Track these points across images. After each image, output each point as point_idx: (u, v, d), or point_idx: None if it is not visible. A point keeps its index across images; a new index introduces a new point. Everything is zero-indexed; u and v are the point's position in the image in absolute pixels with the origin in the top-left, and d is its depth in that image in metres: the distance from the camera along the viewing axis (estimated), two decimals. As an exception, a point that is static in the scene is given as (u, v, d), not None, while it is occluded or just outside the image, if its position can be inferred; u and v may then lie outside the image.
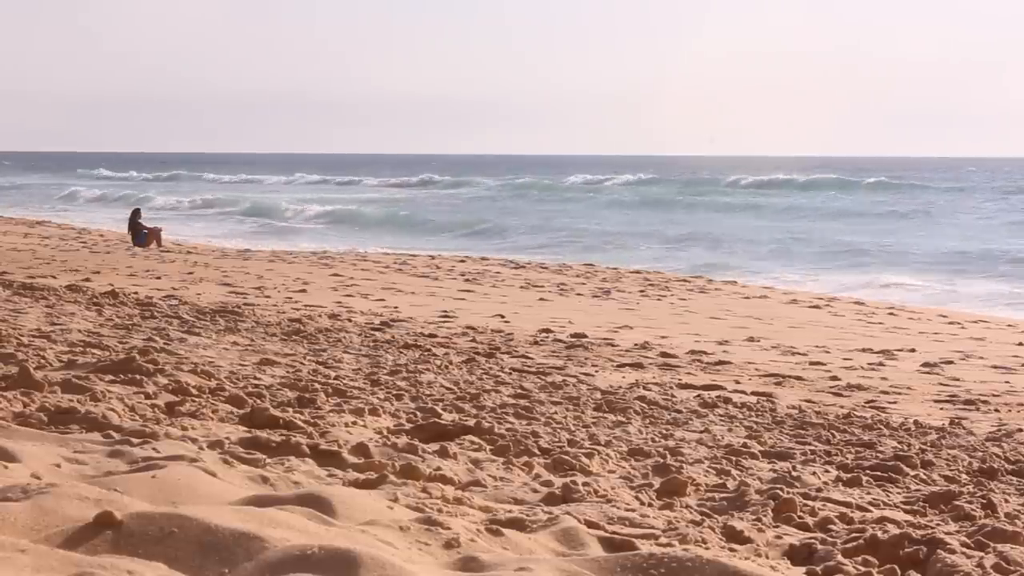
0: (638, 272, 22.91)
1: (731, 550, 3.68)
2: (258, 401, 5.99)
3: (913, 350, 12.50)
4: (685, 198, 56.64)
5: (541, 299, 17.08)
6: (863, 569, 3.56)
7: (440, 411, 6.26)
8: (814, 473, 5.48)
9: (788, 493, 4.63)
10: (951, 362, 11.66)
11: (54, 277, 16.28)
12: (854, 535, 3.98)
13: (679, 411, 7.62)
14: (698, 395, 8.70)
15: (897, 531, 3.95)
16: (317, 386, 6.84)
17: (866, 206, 50.57)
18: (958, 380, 10.49)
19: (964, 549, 3.85)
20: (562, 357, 10.62)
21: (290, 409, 5.87)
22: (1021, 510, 4.83)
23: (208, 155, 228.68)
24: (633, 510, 4.21)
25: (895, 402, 9.16)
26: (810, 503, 4.63)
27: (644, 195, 59.31)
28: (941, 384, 10.23)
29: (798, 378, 10.18)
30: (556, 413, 6.87)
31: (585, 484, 4.55)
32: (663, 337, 12.79)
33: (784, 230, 36.82)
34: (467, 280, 19.66)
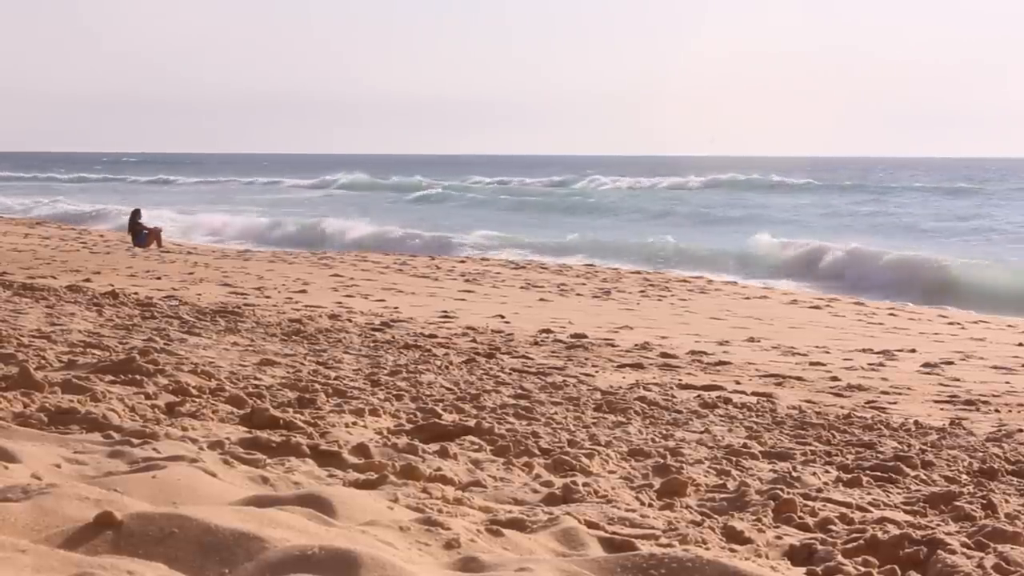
0: (638, 272, 22.92)
1: (731, 550, 3.68)
2: (258, 401, 5.99)
3: (913, 350, 12.51)
4: (537, 199, 58.65)
5: (541, 299, 17.08)
6: (863, 569, 3.56)
7: (440, 411, 6.26)
8: (814, 473, 5.48)
9: (788, 493, 4.63)
10: (951, 362, 11.66)
11: (54, 277, 16.29)
12: (854, 535, 3.98)
13: (679, 411, 7.62)
14: (698, 395, 8.69)
15: (897, 531, 3.95)
16: (317, 386, 6.84)
17: (708, 207, 52.55)
18: (958, 380, 10.49)
19: (964, 549, 3.85)
20: (562, 357, 10.62)
21: (290, 409, 5.87)
22: (1021, 511, 4.83)
23: (196, 156, 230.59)
24: (633, 510, 4.21)
25: (895, 402, 9.16)
26: (810, 503, 4.63)
27: (495, 197, 61.17)
28: (941, 384, 10.23)
29: (798, 378, 10.18)
30: (556, 413, 6.87)
31: (585, 484, 4.55)
32: (663, 337, 12.79)
33: (570, 227, 38.32)
34: (467, 280, 19.67)
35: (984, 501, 4.80)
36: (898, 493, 5.17)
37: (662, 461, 5.39)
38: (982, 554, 3.81)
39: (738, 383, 9.73)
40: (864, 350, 12.43)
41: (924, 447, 6.75)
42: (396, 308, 14.54)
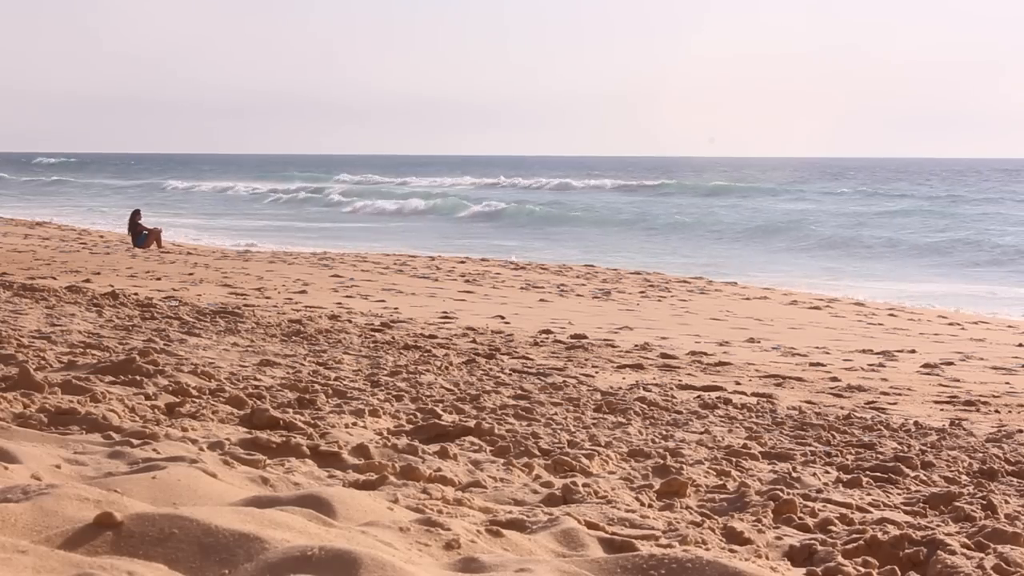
0: (638, 273, 22.92)
1: (731, 551, 3.69)
2: (258, 402, 5.99)
3: (913, 351, 12.51)
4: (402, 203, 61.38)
5: (541, 300, 17.07)
6: (863, 570, 3.56)
7: (440, 412, 6.26)
8: (814, 474, 5.48)
9: (788, 494, 4.64)
10: (951, 363, 11.66)
11: (54, 278, 16.28)
12: (854, 536, 3.99)
13: (679, 412, 7.62)
14: (698, 396, 8.69)
15: (897, 532, 3.95)
16: (317, 387, 6.84)
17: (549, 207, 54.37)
18: (958, 381, 10.49)
19: (964, 550, 3.85)
20: (562, 358, 10.61)
21: (290, 410, 5.88)
22: (1021, 511, 4.83)
23: (187, 156, 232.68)
24: (633, 511, 4.22)
25: (895, 403, 9.16)
26: (810, 504, 4.63)
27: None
28: (941, 385, 10.23)
29: (798, 379, 10.18)
30: (556, 414, 6.87)
31: (585, 485, 4.55)
32: (663, 338, 12.79)
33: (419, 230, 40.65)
34: (467, 281, 19.66)
35: (984, 502, 4.81)
36: (898, 494, 5.17)
37: (662, 462, 5.39)
38: (982, 555, 3.81)
39: (738, 384, 9.73)
40: (864, 351, 12.43)
41: (924, 448, 6.75)
42: (396, 309, 14.54)
